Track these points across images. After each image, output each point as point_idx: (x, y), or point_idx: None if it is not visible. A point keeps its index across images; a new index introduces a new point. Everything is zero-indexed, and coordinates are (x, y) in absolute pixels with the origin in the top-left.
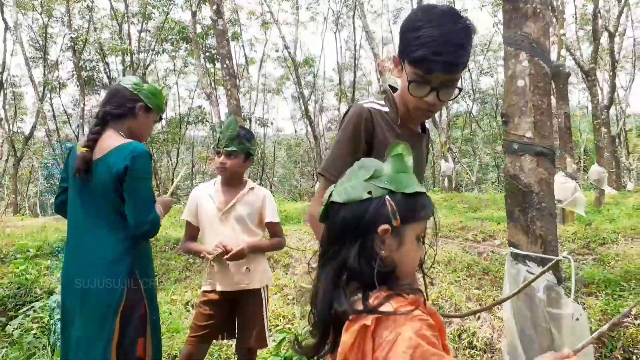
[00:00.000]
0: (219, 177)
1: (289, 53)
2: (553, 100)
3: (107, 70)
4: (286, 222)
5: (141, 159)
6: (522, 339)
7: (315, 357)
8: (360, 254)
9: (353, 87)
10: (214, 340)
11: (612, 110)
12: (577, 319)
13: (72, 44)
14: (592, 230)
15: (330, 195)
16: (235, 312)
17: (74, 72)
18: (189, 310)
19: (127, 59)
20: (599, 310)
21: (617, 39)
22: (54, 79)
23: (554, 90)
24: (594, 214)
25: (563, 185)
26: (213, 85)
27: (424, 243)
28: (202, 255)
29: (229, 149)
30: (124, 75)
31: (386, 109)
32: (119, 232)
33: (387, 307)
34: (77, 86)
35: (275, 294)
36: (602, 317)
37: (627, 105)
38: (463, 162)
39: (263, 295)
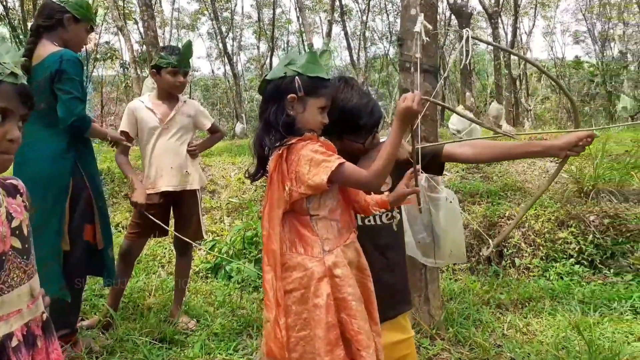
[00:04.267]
0: (153, 92)
1: None
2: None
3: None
4: (209, 157)
5: (71, 62)
6: (408, 218)
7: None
8: (276, 111)
9: (272, 25)
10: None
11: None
12: (451, 202)
13: None
14: None
15: (266, 74)
16: (169, 212)
17: None
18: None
19: None
20: (480, 215)
21: None
22: None
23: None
24: None
25: (462, 118)
26: (123, 18)
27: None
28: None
29: (187, 68)
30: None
31: None
32: (58, 128)
33: (291, 142)
34: None
35: (204, 215)
36: (482, 220)
37: (528, 50)
38: (380, 104)
39: (198, 195)
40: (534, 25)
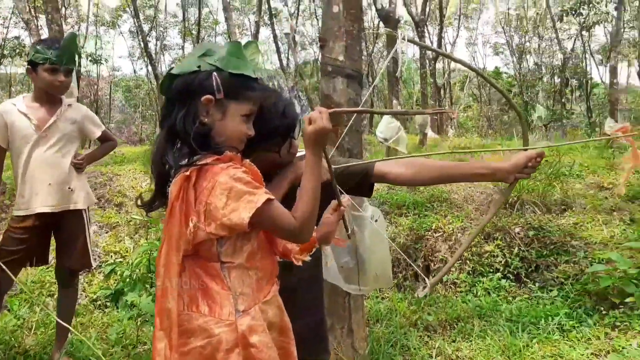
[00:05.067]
0: (29, 94)
1: None
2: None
3: None
4: (121, 164)
5: None
6: None
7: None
8: (185, 117)
9: (198, 24)
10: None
11: (440, 64)
12: (376, 220)
13: None
14: None
15: (171, 68)
16: (50, 236)
17: None
18: None
19: None
20: (407, 227)
21: None
22: None
23: (385, 35)
24: (416, 152)
25: (389, 125)
26: (33, 12)
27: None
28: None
29: (71, 66)
30: None
31: None
32: None
33: (204, 161)
34: None
35: (107, 232)
36: (409, 233)
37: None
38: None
39: (85, 216)
40: (457, 35)
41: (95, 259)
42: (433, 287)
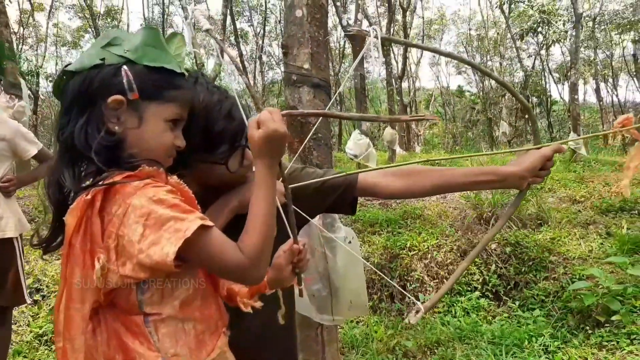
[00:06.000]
0: None
1: (86, 1)
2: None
3: None
4: None
5: None
6: None
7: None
8: (86, 126)
9: None
10: None
11: (405, 84)
12: (350, 242)
13: None
14: None
15: (66, 65)
16: None
17: None
18: None
19: None
20: (381, 246)
21: (408, 16)
22: None
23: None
24: None
25: (358, 142)
26: None
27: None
28: None
29: None
30: None
31: None
32: None
33: (112, 180)
34: None
35: (57, 259)
36: (383, 252)
37: (417, 78)
38: None
39: (17, 245)
40: (421, 55)
41: (31, 293)
42: (428, 311)
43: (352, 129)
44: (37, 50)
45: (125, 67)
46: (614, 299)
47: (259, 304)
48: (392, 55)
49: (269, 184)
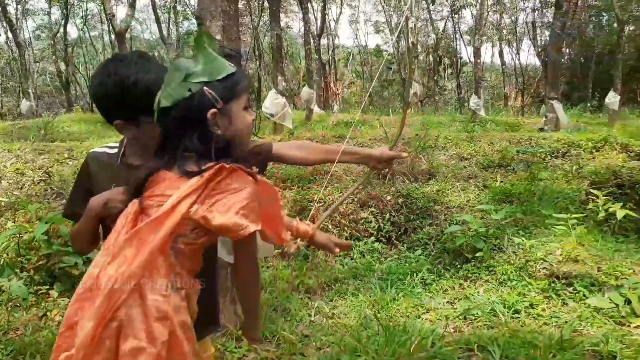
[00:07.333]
0: None
1: None
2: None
3: None
4: None
5: None
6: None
7: None
8: (200, 140)
9: None
10: None
11: (324, 41)
12: None
13: None
14: (294, 139)
15: (159, 102)
16: None
17: None
18: None
19: None
20: (291, 200)
21: None
22: None
23: (268, 11)
24: (302, 127)
25: (275, 101)
26: None
27: (252, 109)
28: None
29: None
30: None
31: (115, 151)
32: None
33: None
34: None
35: None
36: (293, 205)
37: (336, 36)
38: None
39: None
40: (340, 12)
41: None
42: (299, 247)
43: (271, 85)
44: None
45: (205, 87)
46: (479, 239)
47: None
48: (310, 11)
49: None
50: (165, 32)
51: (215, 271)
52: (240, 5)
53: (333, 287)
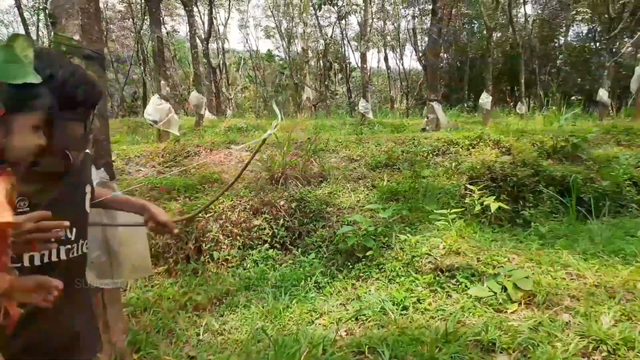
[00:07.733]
0: None
1: None
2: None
3: None
4: None
5: None
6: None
7: None
8: None
9: None
10: None
11: (213, 45)
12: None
13: None
14: (180, 146)
15: None
16: None
17: None
18: None
19: None
20: (176, 211)
21: None
22: None
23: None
24: (192, 133)
25: (159, 107)
26: None
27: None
28: None
29: None
30: None
31: None
32: None
33: None
34: None
35: None
36: (180, 216)
37: (226, 40)
38: None
39: None
40: (229, 17)
41: None
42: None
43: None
44: None
45: None
46: (369, 238)
47: None
48: (196, 15)
49: None
50: (34, 36)
51: (78, 295)
52: (122, 8)
53: (224, 300)
